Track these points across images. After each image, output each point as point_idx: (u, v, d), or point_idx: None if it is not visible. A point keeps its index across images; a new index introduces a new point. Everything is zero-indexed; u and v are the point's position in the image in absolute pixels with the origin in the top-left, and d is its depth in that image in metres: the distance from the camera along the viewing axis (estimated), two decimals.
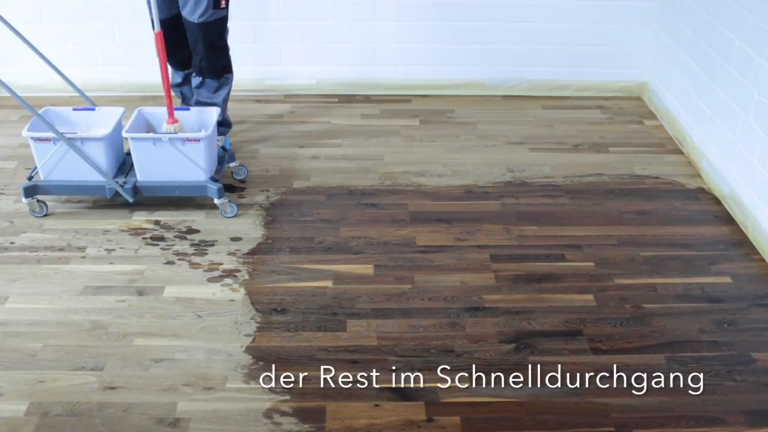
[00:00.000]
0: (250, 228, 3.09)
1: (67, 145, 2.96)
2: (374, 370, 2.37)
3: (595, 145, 3.81)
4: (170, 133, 3.01)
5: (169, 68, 3.45)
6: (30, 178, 3.09)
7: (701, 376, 2.37)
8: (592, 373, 2.38)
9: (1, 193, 3.29)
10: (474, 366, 2.40)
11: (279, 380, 2.33)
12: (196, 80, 3.39)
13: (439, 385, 2.33)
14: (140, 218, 3.13)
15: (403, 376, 2.36)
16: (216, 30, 3.24)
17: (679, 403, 2.28)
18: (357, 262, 2.88)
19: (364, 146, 3.76)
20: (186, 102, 3.57)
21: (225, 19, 3.25)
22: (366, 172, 3.52)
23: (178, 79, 3.51)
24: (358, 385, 2.32)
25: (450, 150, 3.74)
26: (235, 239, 3.01)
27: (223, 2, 3.19)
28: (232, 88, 3.50)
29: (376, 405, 2.25)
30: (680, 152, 3.75)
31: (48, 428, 2.15)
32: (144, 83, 4.14)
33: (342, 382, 2.33)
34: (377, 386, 2.32)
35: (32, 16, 4.01)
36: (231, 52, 3.42)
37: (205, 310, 2.63)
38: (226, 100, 3.45)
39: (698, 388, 2.33)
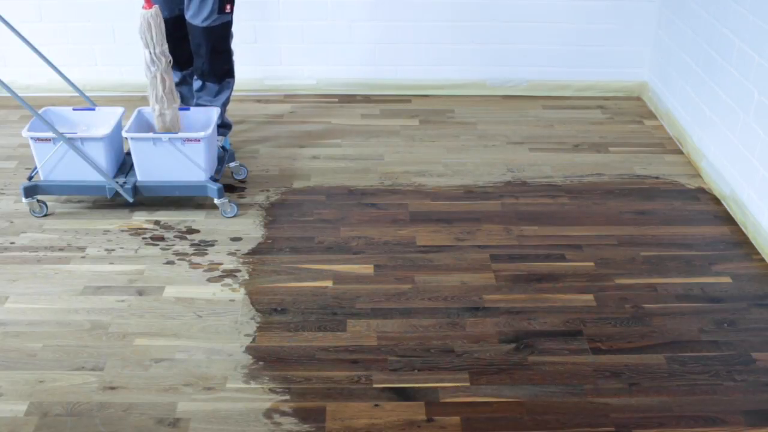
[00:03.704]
0: (250, 228, 3.09)
1: (67, 145, 2.96)
2: (374, 370, 2.37)
3: (595, 145, 3.82)
4: (171, 133, 3.01)
5: None
6: (30, 178, 3.09)
7: (701, 376, 2.38)
8: (592, 373, 2.38)
9: (1, 193, 3.29)
10: (474, 366, 2.40)
11: (279, 380, 2.33)
12: (197, 83, 3.38)
13: (439, 385, 2.33)
14: (140, 218, 3.13)
15: (403, 376, 2.36)
16: (220, 34, 3.23)
17: (679, 403, 2.28)
18: (357, 262, 2.88)
19: (364, 146, 3.76)
20: (184, 102, 3.57)
21: (229, 23, 3.25)
22: (366, 172, 3.52)
23: (175, 79, 3.49)
24: (358, 385, 2.32)
25: (450, 150, 3.74)
26: (235, 239, 3.01)
27: (228, 7, 3.18)
28: (235, 87, 3.50)
29: (376, 405, 2.25)
30: (680, 152, 3.76)
31: (48, 428, 2.15)
32: (144, 83, 4.14)
33: (342, 382, 2.33)
34: (377, 386, 2.32)
35: (32, 16, 4.01)
36: (234, 56, 3.42)
37: (205, 310, 2.63)
38: (225, 103, 3.45)
39: (698, 388, 2.33)
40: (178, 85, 3.52)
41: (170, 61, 2.97)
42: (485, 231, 3.09)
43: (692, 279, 2.83)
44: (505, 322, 2.59)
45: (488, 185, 3.43)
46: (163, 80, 2.96)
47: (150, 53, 2.91)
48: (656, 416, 2.24)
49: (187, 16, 3.19)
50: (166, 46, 2.93)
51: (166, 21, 3.21)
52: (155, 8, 2.88)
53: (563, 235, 3.08)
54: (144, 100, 3.75)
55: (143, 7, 2.87)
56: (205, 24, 3.16)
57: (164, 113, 3.01)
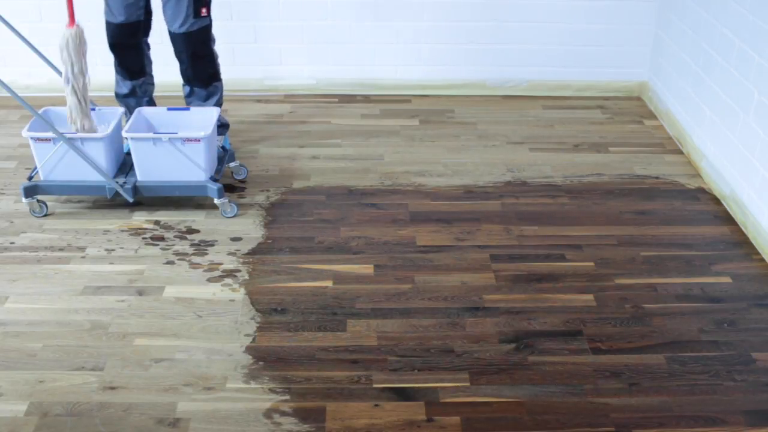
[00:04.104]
0: (250, 228, 3.09)
1: (67, 145, 2.96)
2: (374, 370, 2.37)
3: (595, 145, 3.82)
4: (170, 132, 3.01)
5: (117, 76, 3.39)
6: (30, 178, 3.09)
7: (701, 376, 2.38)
8: (592, 373, 2.38)
9: (1, 193, 3.29)
10: (474, 366, 2.40)
11: (279, 380, 2.33)
12: (185, 89, 3.37)
13: (439, 385, 2.33)
14: (140, 218, 3.13)
15: (403, 376, 2.36)
16: (199, 39, 3.20)
17: (679, 403, 2.28)
18: (357, 262, 2.88)
19: (364, 146, 3.76)
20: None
21: (208, 27, 3.21)
22: (366, 172, 3.52)
23: (125, 90, 3.40)
24: (358, 385, 2.32)
25: (450, 150, 3.74)
26: (235, 239, 3.01)
27: (204, 11, 3.14)
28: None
29: (376, 405, 2.25)
30: (680, 152, 3.76)
31: (48, 428, 2.15)
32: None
33: (342, 382, 2.33)
34: (377, 386, 2.32)
35: (32, 16, 4.01)
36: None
37: (205, 310, 2.63)
38: (218, 105, 3.42)
39: (698, 388, 2.33)
40: (126, 96, 3.42)
41: (88, 79, 2.93)
42: (485, 231, 3.09)
43: (692, 279, 2.83)
44: (505, 322, 2.59)
45: (488, 185, 3.43)
46: (77, 95, 2.92)
47: (67, 70, 2.87)
48: (656, 416, 2.24)
49: (166, 23, 3.17)
50: (86, 64, 2.89)
51: (122, 26, 3.17)
52: (77, 28, 2.84)
53: (563, 235, 3.08)
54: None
55: (67, 26, 2.83)
56: (182, 30, 3.14)
57: (80, 125, 2.97)
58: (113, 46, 3.25)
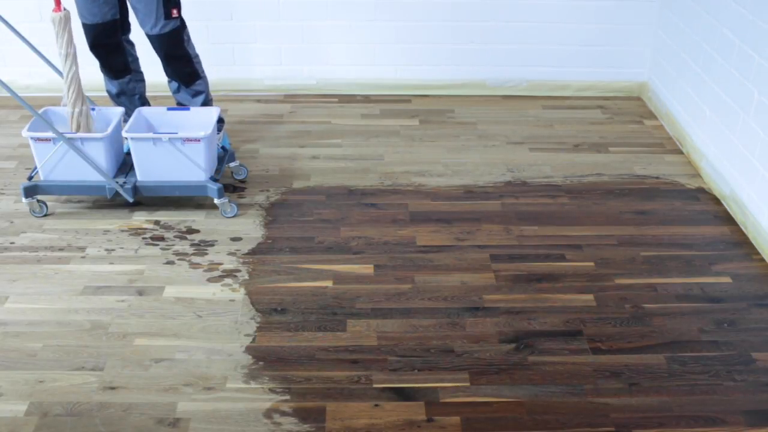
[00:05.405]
0: (250, 228, 3.09)
1: (67, 145, 2.96)
2: (374, 370, 2.37)
3: (595, 145, 3.82)
4: (170, 132, 3.01)
5: (105, 77, 3.40)
6: (30, 178, 3.09)
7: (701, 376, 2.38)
8: (592, 373, 2.38)
9: (1, 193, 3.29)
10: (474, 366, 2.40)
11: (279, 380, 2.33)
12: (172, 85, 3.37)
13: (439, 385, 2.33)
14: (140, 218, 3.13)
15: (403, 376, 2.36)
16: (172, 40, 3.18)
17: (679, 403, 2.28)
18: (357, 262, 2.88)
19: (364, 146, 3.76)
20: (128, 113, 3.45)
21: (180, 28, 3.20)
22: (366, 172, 3.52)
23: (114, 90, 3.42)
24: (358, 385, 2.32)
25: (450, 150, 3.74)
26: (235, 239, 3.01)
27: (175, 12, 3.14)
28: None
29: (376, 405, 2.25)
30: (680, 152, 3.76)
31: (48, 428, 2.15)
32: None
33: (342, 382, 2.33)
34: (377, 386, 2.32)
35: (32, 16, 4.00)
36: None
37: (205, 310, 2.63)
38: (206, 103, 3.42)
39: (698, 388, 2.33)
40: (117, 95, 3.43)
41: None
42: (485, 231, 3.09)
43: (692, 279, 2.83)
44: (505, 322, 2.59)
45: (488, 185, 3.43)
46: (78, 80, 2.96)
47: (64, 54, 2.90)
48: (656, 416, 2.24)
49: (140, 25, 3.17)
50: (75, 48, 2.92)
51: (97, 26, 3.15)
52: (65, 11, 2.85)
53: (563, 235, 3.08)
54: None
55: (53, 11, 2.85)
56: (155, 32, 3.13)
57: (80, 112, 3.00)
58: (93, 48, 3.23)
